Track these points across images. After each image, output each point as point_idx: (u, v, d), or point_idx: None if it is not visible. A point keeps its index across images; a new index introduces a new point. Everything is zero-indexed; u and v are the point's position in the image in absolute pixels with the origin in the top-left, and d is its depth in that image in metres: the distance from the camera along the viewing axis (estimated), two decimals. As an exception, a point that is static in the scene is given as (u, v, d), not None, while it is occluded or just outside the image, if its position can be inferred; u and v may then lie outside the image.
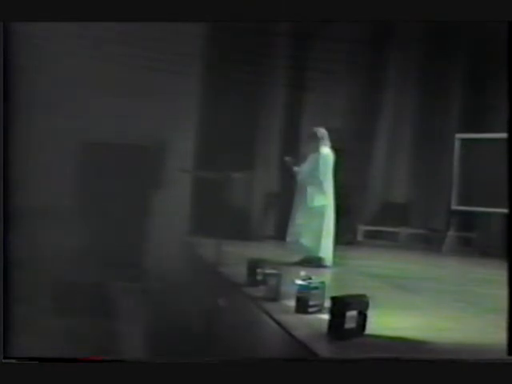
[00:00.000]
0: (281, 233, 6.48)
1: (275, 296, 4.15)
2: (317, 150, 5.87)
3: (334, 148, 5.97)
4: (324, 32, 7.74)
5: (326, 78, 7.89)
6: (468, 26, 7.33)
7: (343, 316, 3.28)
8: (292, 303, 3.87)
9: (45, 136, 6.45)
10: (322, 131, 5.91)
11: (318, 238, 5.81)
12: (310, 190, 5.85)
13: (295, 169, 5.95)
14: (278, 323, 3.61)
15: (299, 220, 5.88)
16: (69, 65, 6.61)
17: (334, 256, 5.94)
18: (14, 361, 3.17)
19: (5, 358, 3.22)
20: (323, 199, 5.85)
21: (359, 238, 8.25)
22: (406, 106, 8.43)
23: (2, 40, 3.52)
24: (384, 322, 3.63)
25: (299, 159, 6.22)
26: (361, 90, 8.28)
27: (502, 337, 3.31)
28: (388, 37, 8.18)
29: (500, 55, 4.07)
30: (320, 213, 5.83)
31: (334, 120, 8.00)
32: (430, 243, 8.21)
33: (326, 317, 3.42)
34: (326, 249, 5.84)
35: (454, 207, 8.08)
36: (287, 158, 6.06)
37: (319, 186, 5.84)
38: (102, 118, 6.81)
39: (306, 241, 5.81)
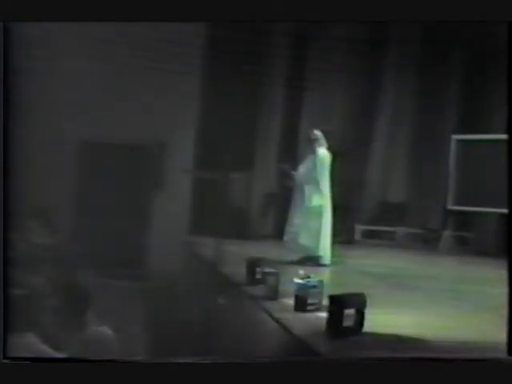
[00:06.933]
0: (280, 232, 6.52)
1: (274, 295, 4.18)
2: (313, 151, 5.98)
3: (331, 149, 6.06)
4: (323, 32, 7.77)
5: (325, 79, 7.92)
6: (468, 26, 7.35)
7: (341, 314, 3.31)
8: (291, 302, 3.90)
9: (45, 136, 6.45)
10: (317, 133, 6.03)
11: (317, 237, 5.89)
12: (307, 190, 5.94)
13: (293, 173, 6.04)
14: (277, 321, 3.64)
15: (297, 220, 5.96)
16: (68, 65, 6.62)
17: (332, 255, 6.00)
18: (14, 361, 3.18)
19: (5, 357, 3.22)
20: (321, 199, 5.95)
21: (357, 237, 8.29)
22: (404, 106, 8.46)
23: (2, 40, 3.53)
24: (381, 320, 3.66)
25: (297, 160, 6.28)
26: (359, 90, 8.30)
27: (498, 335, 3.34)
28: (387, 37, 8.20)
29: (500, 55, 4.09)
30: (318, 212, 5.92)
31: (333, 120, 8.04)
32: (426, 242, 8.25)
33: (324, 315, 3.45)
34: (324, 247, 5.92)
35: (450, 207, 8.15)
36: (283, 166, 6.18)
37: (317, 186, 5.94)
38: (101, 118, 6.82)
39: (304, 240, 5.89)
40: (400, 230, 8.32)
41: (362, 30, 7.89)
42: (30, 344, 3.08)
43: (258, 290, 4.35)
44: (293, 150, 7.56)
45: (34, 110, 5.86)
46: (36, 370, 3.17)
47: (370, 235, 8.33)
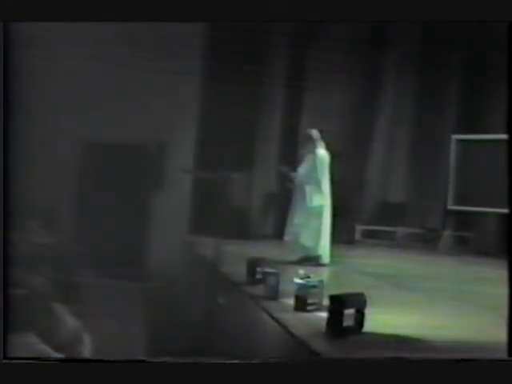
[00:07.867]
0: (280, 232, 6.52)
1: (274, 294, 4.19)
2: (313, 151, 5.98)
3: (330, 149, 6.07)
4: (323, 32, 7.78)
5: (325, 79, 7.92)
6: (468, 26, 7.35)
7: (341, 314, 3.31)
8: (291, 301, 3.90)
9: (45, 136, 6.47)
10: (315, 133, 6.02)
11: (317, 237, 5.89)
12: (308, 190, 5.93)
13: (292, 175, 6.04)
14: (277, 321, 3.64)
15: (298, 219, 5.95)
16: (69, 65, 6.63)
17: (333, 255, 6.00)
18: (14, 361, 3.18)
19: (5, 357, 3.22)
20: (321, 199, 5.95)
21: (357, 237, 8.29)
22: (404, 106, 8.47)
23: (2, 40, 3.53)
24: (381, 319, 3.66)
25: (297, 160, 6.29)
26: (359, 90, 8.31)
27: (498, 335, 3.34)
28: (387, 37, 8.21)
29: (500, 55, 4.08)
30: (319, 212, 5.92)
31: (333, 120, 8.04)
32: (426, 242, 8.26)
33: (324, 315, 3.45)
34: (324, 247, 5.93)
35: (450, 207, 8.15)
36: (283, 168, 6.19)
37: (317, 185, 5.94)
38: (101, 118, 6.84)
39: (304, 240, 5.89)
40: (400, 230, 8.34)
41: (362, 29, 7.90)
42: (30, 344, 3.08)
43: (258, 290, 4.35)
44: (293, 150, 7.56)
45: (34, 110, 5.87)
46: (36, 370, 3.17)
47: (370, 235, 8.34)
